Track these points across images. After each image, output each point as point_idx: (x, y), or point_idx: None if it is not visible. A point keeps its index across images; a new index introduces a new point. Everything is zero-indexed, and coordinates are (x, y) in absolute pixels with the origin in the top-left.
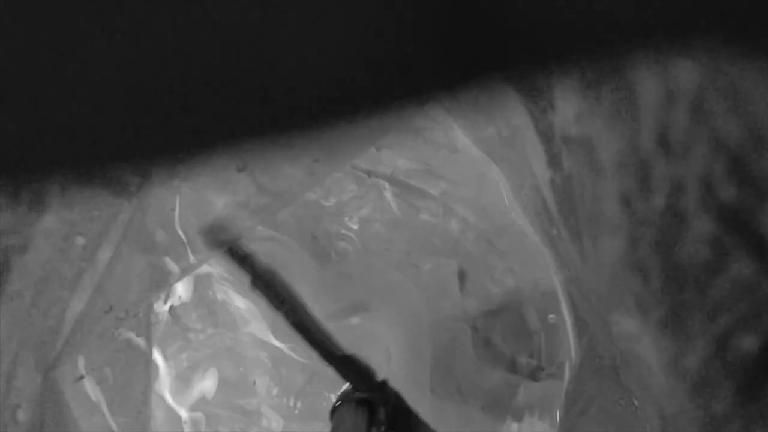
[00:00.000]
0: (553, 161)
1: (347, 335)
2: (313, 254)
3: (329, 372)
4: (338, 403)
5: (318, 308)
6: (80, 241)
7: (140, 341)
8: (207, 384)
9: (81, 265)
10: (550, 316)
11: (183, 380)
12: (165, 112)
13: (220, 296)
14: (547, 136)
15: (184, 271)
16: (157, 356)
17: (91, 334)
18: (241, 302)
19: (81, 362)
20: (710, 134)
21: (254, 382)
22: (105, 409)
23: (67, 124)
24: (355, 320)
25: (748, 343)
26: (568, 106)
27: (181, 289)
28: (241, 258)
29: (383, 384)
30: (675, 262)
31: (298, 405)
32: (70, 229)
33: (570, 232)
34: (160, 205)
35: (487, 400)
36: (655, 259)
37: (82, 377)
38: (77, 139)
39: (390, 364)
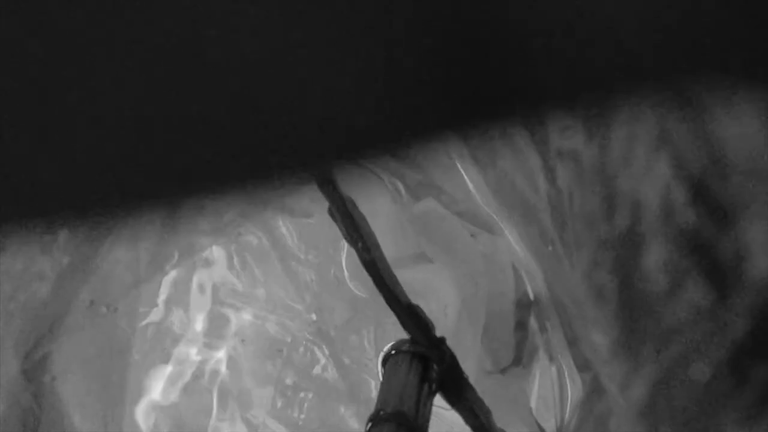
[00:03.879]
0: (549, 175)
1: (408, 284)
2: (392, 193)
3: (369, 313)
4: (393, 353)
5: (386, 251)
6: (63, 234)
7: (121, 345)
8: (211, 396)
9: (63, 259)
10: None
11: (187, 392)
12: (164, 145)
13: (225, 310)
14: (542, 149)
15: (173, 268)
16: (161, 367)
17: (70, 327)
18: (249, 315)
19: (57, 359)
20: (673, 159)
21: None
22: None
23: (66, 151)
24: (416, 271)
25: (698, 370)
26: (557, 120)
27: (187, 301)
28: (324, 183)
29: (441, 341)
30: (631, 286)
31: (302, 416)
32: (53, 222)
33: (564, 245)
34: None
35: (521, 377)
36: (613, 282)
37: (53, 378)
38: (73, 167)
39: (446, 322)
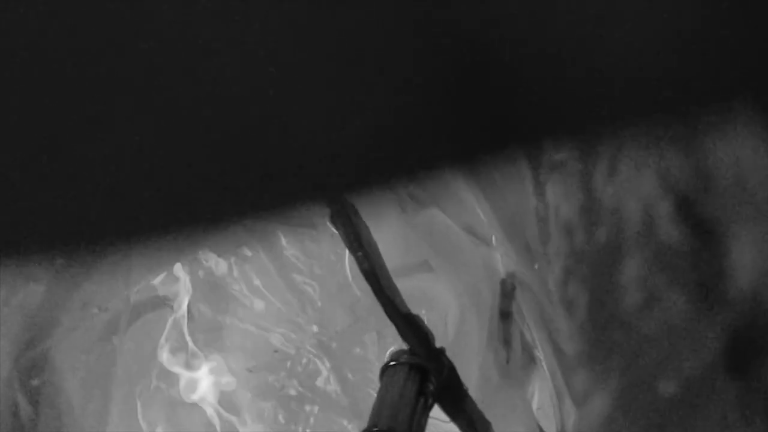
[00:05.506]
0: (538, 190)
1: (407, 293)
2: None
3: (371, 320)
4: (391, 363)
5: (388, 259)
6: (60, 240)
7: (115, 350)
8: (210, 412)
9: (57, 261)
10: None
11: (189, 407)
12: (166, 159)
13: (228, 320)
14: (534, 164)
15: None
16: (158, 382)
17: (63, 328)
18: (252, 325)
19: (51, 360)
20: (659, 174)
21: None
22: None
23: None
24: (418, 280)
25: (665, 385)
26: (552, 138)
27: (191, 309)
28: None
29: (440, 352)
30: (604, 299)
31: (307, 431)
32: (51, 239)
33: (547, 262)
34: None
35: (523, 387)
36: (585, 294)
37: (47, 379)
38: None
39: (446, 331)
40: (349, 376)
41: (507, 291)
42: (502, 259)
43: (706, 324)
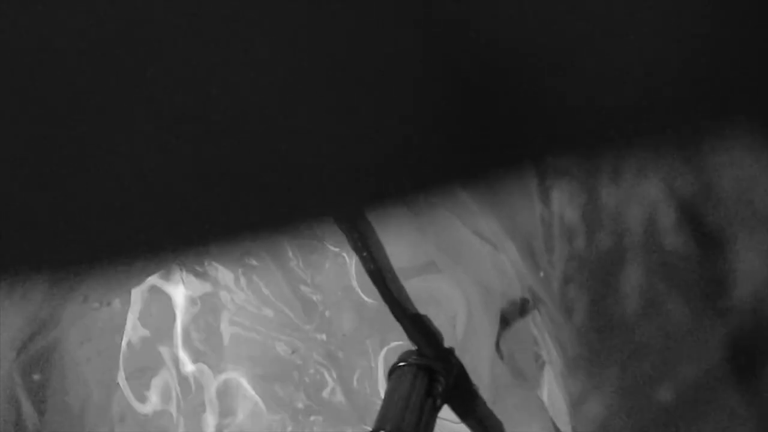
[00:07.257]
0: (544, 195)
1: (415, 294)
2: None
3: (377, 322)
4: (400, 364)
5: (396, 259)
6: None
7: (117, 347)
8: (212, 419)
9: (58, 256)
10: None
11: (194, 415)
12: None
13: (231, 330)
14: (540, 170)
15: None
16: (156, 381)
17: (63, 321)
18: (255, 334)
19: (53, 354)
20: (663, 182)
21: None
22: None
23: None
24: (425, 280)
25: (663, 392)
26: (559, 153)
27: (189, 320)
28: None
29: (449, 352)
30: (602, 304)
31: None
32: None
33: (553, 268)
34: None
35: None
36: (583, 299)
37: (49, 373)
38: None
39: (455, 332)
40: (355, 385)
41: (523, 309)
42: (509, 264)
43: (706, 332)
